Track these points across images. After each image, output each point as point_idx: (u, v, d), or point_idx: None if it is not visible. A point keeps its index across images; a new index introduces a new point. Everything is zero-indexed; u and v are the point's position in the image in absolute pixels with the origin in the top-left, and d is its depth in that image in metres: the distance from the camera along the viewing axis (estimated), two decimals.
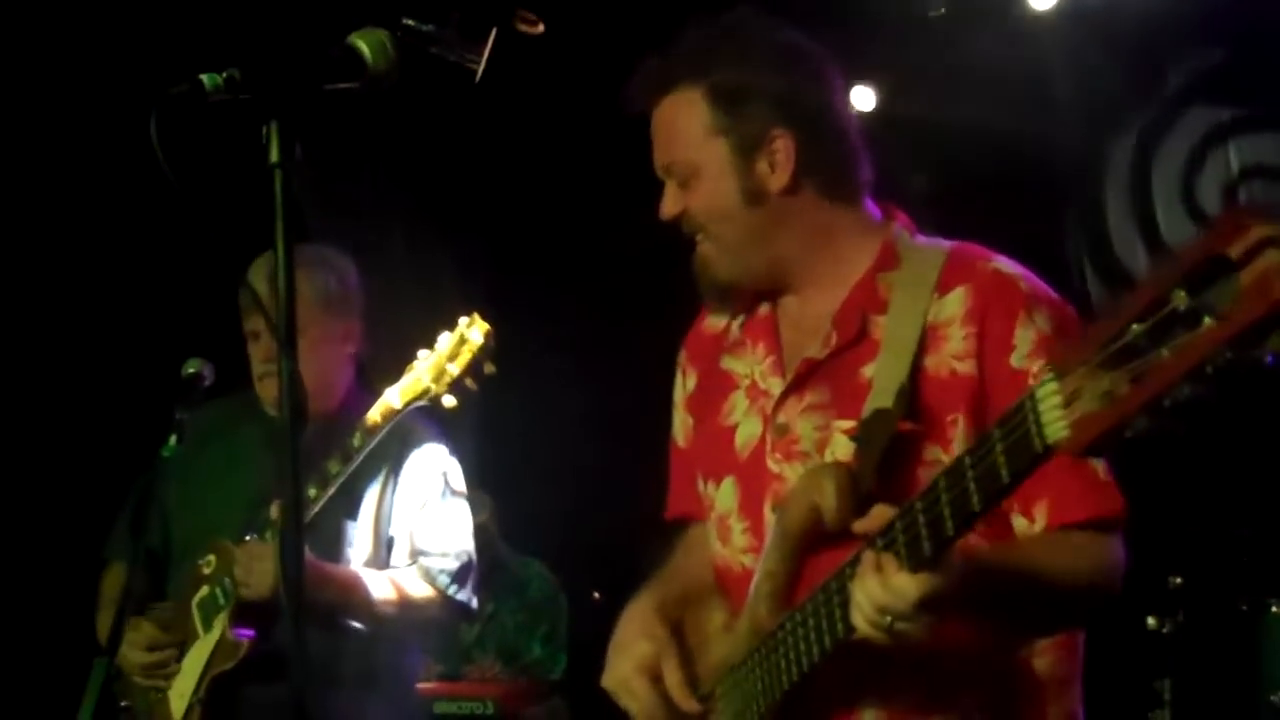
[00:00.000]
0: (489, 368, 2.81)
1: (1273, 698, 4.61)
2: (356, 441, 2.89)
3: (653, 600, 2.09)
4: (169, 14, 4.62)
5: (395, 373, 2.93)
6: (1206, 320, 1.23)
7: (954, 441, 1.83)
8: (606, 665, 2.07)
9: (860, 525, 1.69)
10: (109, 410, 4.85)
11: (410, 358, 2.92)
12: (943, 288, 1.90)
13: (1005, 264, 1.93)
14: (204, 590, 2.98)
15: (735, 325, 2.11)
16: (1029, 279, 1.92)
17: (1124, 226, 5.79)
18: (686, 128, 1.99)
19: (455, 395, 2.83)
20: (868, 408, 1.86)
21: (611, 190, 5.44)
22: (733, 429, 2.04)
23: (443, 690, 5.05)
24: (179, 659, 2.98)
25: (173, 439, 2.92)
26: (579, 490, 5.94)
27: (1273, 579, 4.79)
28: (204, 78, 1.66)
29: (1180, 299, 1.25)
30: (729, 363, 2.09)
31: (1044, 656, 1.91)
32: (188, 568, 3.05)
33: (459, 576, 3.08)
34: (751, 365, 2.05)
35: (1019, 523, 1.84)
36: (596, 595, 5.88)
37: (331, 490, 2.88)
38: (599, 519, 5.88)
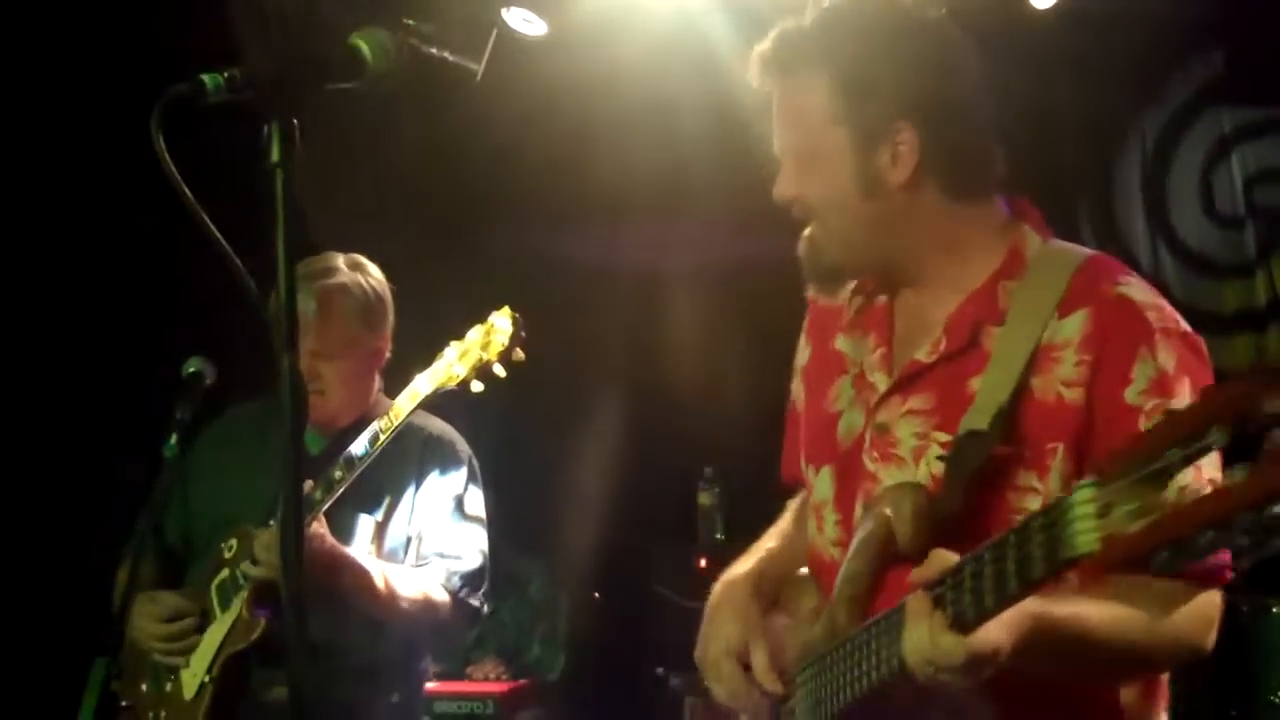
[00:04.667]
0: (518, 355, 2.84)
1: (1273, 698, 4.61)
2: (360, 449, 2.92)
3: (750, 576, 2.09)
4: (169, 14, 4.62)
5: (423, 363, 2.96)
6: (1238, 474, 1.21)
7: (1051, 470, 1.76)
8: (699, 641, 2.06)
9: (916, 574, 1.62)
10: (109, 410, 4.85)
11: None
12: (1065, 307, 1.80)
13: (1137, 289, 1.83)
14: (224, 573, 3.02)
15: (853, 305, 2.03)
16: (1159, 308, 1.81)
17: (1136, 228, 5.80)
18: (807, 112, 1.88)
19: (483, 381, 2.86)
20: (964, 426, 1.78)
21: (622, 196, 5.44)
22: (836, 416, 2.00)
23: (443, 690, 5.05)
24: (198, 632, 3.00)
25: (173, 439, 2.92)
26: (579, 491, 5.94)
27: (1273, 579, 4.80)
28: (205, 77, 1.66)
29: (1216, 437, 1.23)
30: (842, 343, 2.03)
31: (1131, 693, 1.87)
32: (209, 554, 3.08)
33: (472, 580, 3.10)
34: (862, 353, 1.99)
35: None
36: (596, 595, 5.88)
37: (334, 497, 2.90)
38: (599, 519, 5.88)
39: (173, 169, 1.61)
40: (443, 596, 3.05)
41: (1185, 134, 5.69)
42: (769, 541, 2.21)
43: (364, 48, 1.75)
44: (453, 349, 2.91)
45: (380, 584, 2.94)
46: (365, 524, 3.05)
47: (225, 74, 1.67)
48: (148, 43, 4.52)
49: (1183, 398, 1.73)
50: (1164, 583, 1.69)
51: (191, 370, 3.00)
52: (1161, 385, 1.74)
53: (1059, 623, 1.64)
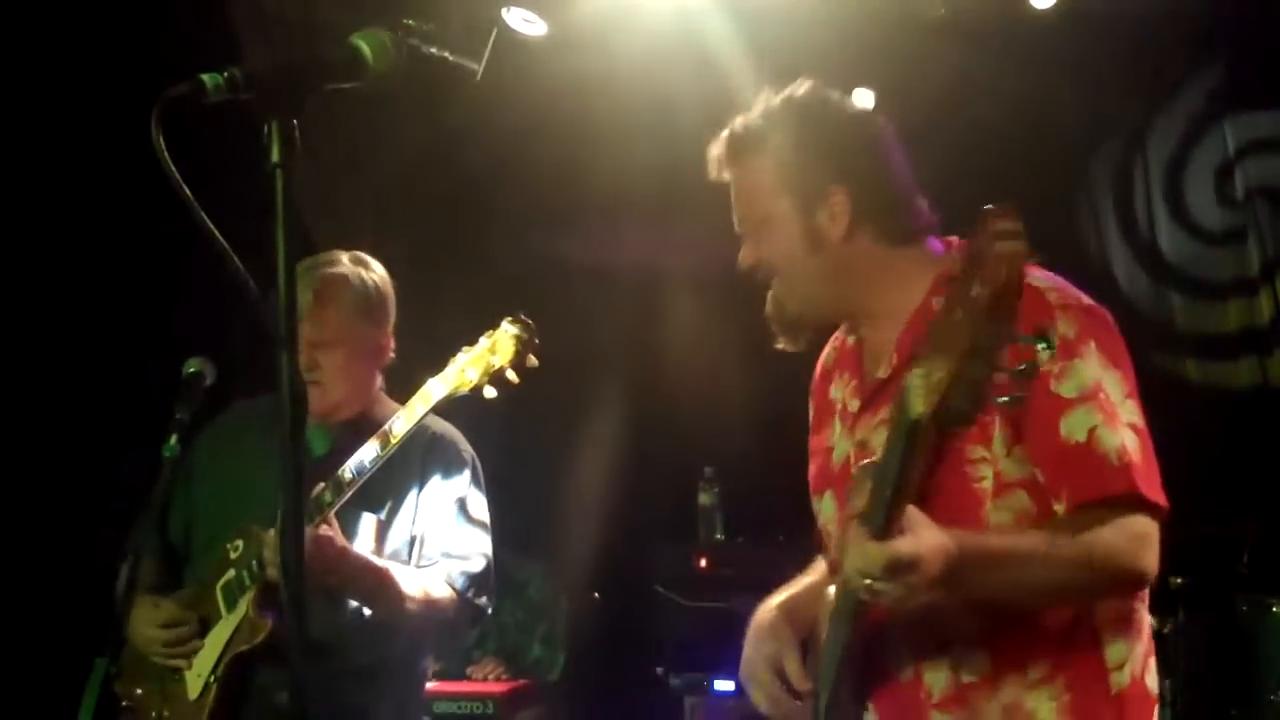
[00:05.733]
0: (531, 361, 2.84)
1: (1273, 698, 4.61)
2: (370, 454, 2.91)
3: (784, 602, 2.37)
4: (169, 14, 4.62)
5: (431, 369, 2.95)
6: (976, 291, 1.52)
7: (994, 439, 2.03)
8: (742, 659, 2.33)
9: (852, 504, 1.90)
10: (109, 410, 4.86)
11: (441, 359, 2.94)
12: None
13: (1038, 278, 2.08)
14: (229, 574, 3.00)
15: (833, 358, 2.40)
16: (1060, 289, 2.10)
17: (1135, 227, 5.81)
18: (757, 187, 2.26)
19: (496, 387, 2.85)
20: None
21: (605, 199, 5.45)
22: (830, 449, 2.31)
23: (443, 690, 5.05)
24: (200, 636, 3.00)
25: (173, 439, 2.92)
26: (579, 491, 5.94)
27: (1273, 579, 4.80)
28: (205, 77, 1.66)
29: (973, 284, 1.52)
30: (833, 391, 2.36)
31: (1109, 629, 2.08)
32: (213, 554, 3.07)
33: (478, 581, 3.11)
34: (843, 391, 2.32)
35: (1058, 508, 2.02)
36: (596, 595, 5.88)
37: (346, 497, 2.90)
38: (599, 519, 5.88)
39: (172, 169, 1.61)
40: (449, 596, 3.05)
41: (1187, 141, 5.71)
42: (806, 577, 2.44)
43: (364, 48, 1.76)
44: (465, 354, 2.90)
45: (395, 587, 2.94)
46: (368, 522, 3.05)
47: (225, 74, 1.67)
48: (148, 43, 4.53)
49: (1088, 357, 2.02)
50: (1094, 510, 1.97)
51: (191, 370, 2.99)
52: (1064, 350, 2.02)
53: (985, 545, 1.93)
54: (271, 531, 2.87)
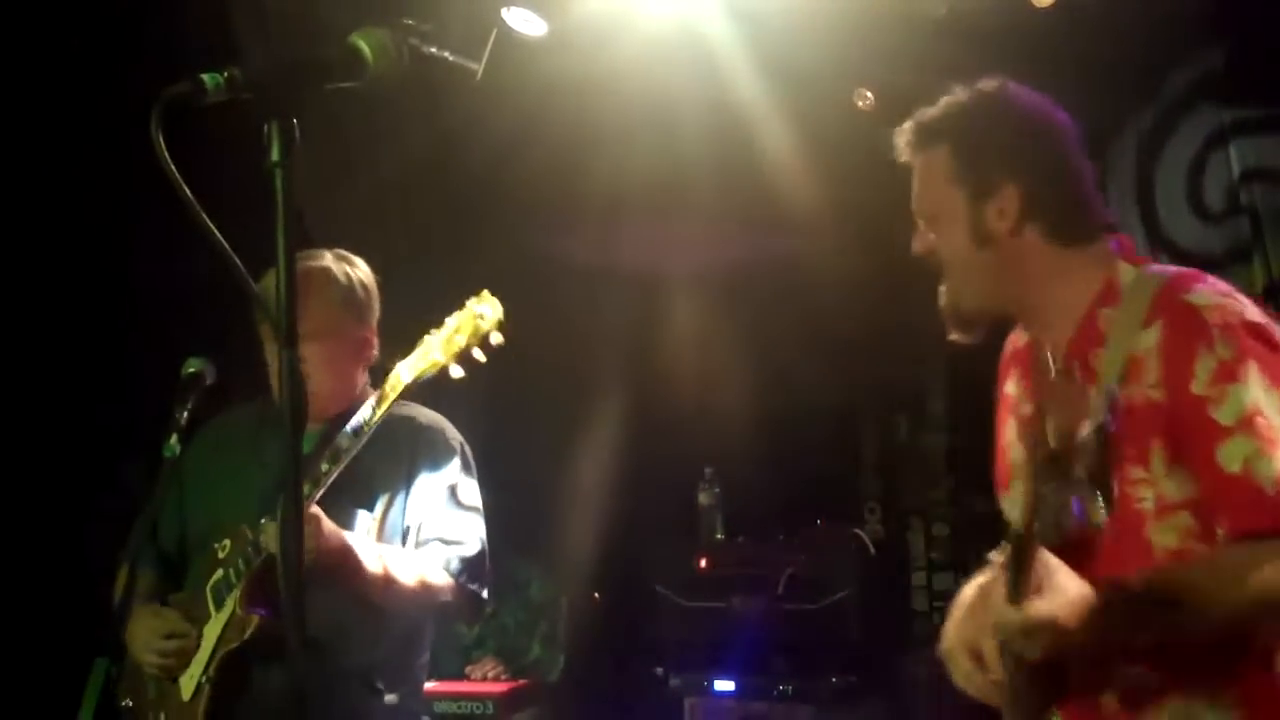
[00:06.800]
0: (496, 339, 2.84)
1: None
2: (345, 443, 2.91)
3: (984, 580, 2.38)
4: (169, 14, 4.62)
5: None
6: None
7: (1153, 461, 2.05)
8: (943, 634, 2.35)
9: (997, 556, 1.98)
10: (109, 411, 4.86)
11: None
12: (1146, 322, 2.11)
13: (1201, 294, 2.09)
14: (218, 574, 3.00)
15: (1010, 355, 2.45)
16: (1221, 307, 2.07)
17: (1131, 226, 5.81)
18: (933, 177, 2.29)
19: (463, 367, 2.85)
20: (1079, 436, 2.07)
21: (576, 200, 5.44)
22: (1008, 448, 2.37)
23: (442, 690, 5.05)
24: (198, 646, 3.00)
25: (173, 438, 2.92)
26: (579, 491, 5.94)
27: None
28: (205, 77, 1.66)
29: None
30: (1008, 386, 2.42)
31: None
32: (204, 557, 3.07)
33: (473, 566, 3.10)
34: (1017, 389, 2.38)
35: (1220, 532, 2.02)
36: (596, 595, 5.88)
37: (322, 490, 2.90)
38: (599, 519, 5.88)
39: (172, 168, 1.62)
40: (444, 580, 3.04)
41: (1183, 132, 5.70)
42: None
43: (364, 47, 1.76)
44: (432, 336, 2.91)
45: (382, 568, 2.93)
46: (363, 519, 3.04)
47: (225, 73, 1.68)
48: (148, 43, 4.53)
49: (1247, 380, 1.99)
50: (1248, 545, 1.95)
51: (191, 370, 2.99)
52: (1223, 373, 2.01)
53: (1132, 594, 1.93)
54: (269, 524, 2.87)
